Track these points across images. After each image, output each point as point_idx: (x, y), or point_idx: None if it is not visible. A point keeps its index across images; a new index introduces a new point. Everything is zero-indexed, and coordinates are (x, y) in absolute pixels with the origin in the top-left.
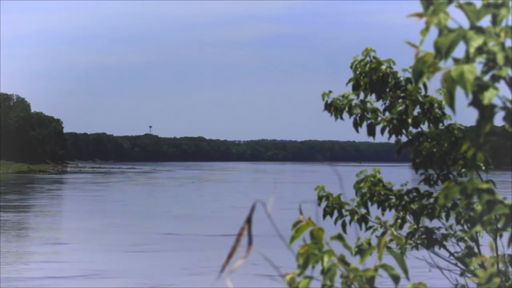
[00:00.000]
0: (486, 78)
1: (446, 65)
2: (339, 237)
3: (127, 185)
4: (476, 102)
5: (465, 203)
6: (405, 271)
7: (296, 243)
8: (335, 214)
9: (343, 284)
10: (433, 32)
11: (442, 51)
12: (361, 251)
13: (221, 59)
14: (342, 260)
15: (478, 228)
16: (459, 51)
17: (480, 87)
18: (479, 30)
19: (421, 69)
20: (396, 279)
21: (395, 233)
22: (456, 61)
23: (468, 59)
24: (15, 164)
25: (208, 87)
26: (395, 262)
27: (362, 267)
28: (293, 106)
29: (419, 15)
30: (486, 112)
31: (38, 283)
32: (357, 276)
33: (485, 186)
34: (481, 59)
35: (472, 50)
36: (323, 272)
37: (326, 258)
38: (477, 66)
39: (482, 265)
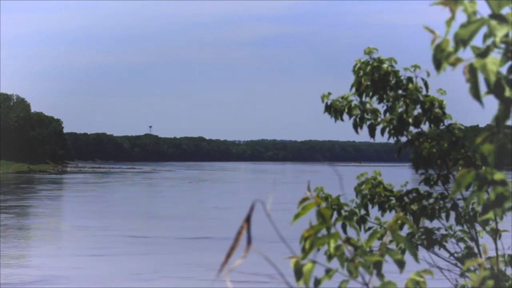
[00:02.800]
0: (504, 68)
1: (464, 55)
2: (346, 218)
3: (122, 185)
4: (498, 94)
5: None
6: (414, 254)
7: (295, 242)
8: (335, 215)
9: (349, 267)
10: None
11: (461, 43)
12: (369, 235)
13: (221, 59)
14: (348, 241)
15: (486, 217)
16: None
17: (504, 80)
18: (501, 19)
19: (439, 57)
20: (401, 264)
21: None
22: (475, 49)
23: (488, 49)
24: (15, 164)
25: (208, 87)
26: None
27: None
28: (293, 106)
29: (444, 3)
30: (509, 105)
31: None
32: (362, 260)
33: (499, 176)
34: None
35: (498, 40)
36: (329, 256)
37: (332, 243)
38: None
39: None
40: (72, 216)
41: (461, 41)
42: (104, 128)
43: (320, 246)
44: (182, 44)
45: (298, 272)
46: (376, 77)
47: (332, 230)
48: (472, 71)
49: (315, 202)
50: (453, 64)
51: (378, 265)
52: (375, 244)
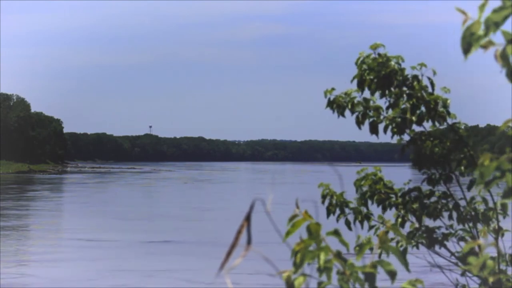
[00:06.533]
0: None
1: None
2: (335, 233)
3: (116, 186)
4: None
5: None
6: (405, 264)
7: (292, 240)
8: (337, 211)
9: (339, 281)
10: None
11: (493, 25)
12: (360, 247)
13: (221, 59)
14: (339, 256)
15: (506, 200)
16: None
17: None
18: None
19: (469, 40)
20: (392, 274)
21: (398, 230)
22: (507, 34)
23: None
24: (15, 164)
25: (208, 87)
26: (395, 260)
27: (360, 263)
28: (293, 106)
29: None
30: None
31: None
32: (353, 272)
33: None
34: None
35: None
36: (319, 269)
37: (322, 256)
38: None
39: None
40: (46, 217)
41: (494, 24)
42: (104, 128)
43: (310, 260)
44: (182, 44)
45: (290, 286)
46: (382, 74)
47: (322, 244)
48: (504, 57)
49: (304, 219)
50: (485, 47)
51: (370, 277)
52: (375, 240)
